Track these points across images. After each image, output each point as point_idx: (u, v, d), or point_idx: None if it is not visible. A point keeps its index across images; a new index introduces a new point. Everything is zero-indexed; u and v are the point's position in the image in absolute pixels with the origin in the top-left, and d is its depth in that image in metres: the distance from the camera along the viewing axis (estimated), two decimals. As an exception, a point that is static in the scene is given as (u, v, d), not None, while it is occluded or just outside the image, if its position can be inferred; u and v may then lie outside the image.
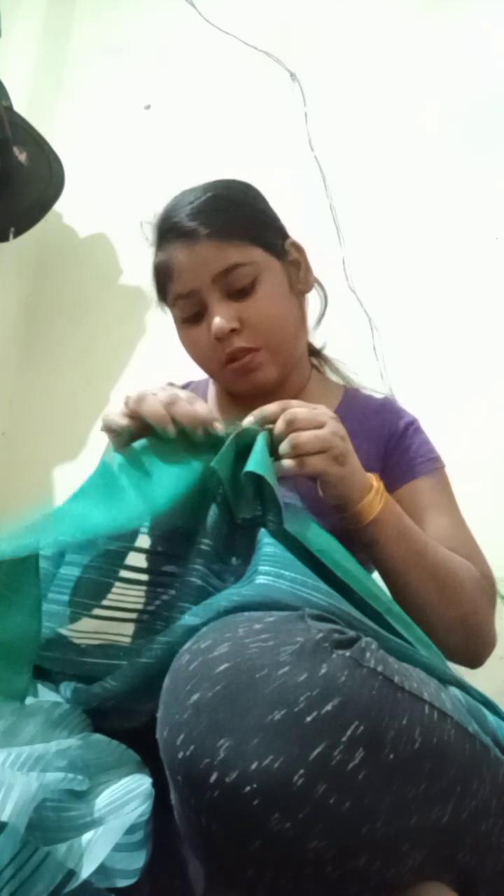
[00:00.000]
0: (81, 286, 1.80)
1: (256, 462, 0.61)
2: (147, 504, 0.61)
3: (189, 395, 0.69)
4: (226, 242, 0.82)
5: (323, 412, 0.68)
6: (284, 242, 0.88)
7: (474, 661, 0.75)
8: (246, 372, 0.84)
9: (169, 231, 0.85)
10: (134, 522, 0.63)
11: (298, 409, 0.67)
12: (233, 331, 0.81)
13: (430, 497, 0.83)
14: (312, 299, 0.94)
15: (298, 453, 0.64)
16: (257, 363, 0.83)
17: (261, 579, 0.54)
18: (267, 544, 0.58)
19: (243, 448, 0.65)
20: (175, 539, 0.66)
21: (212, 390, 0.97)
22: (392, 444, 0.86)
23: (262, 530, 0.60)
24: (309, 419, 0.67)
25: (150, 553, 0.68)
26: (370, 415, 0.89)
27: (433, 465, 0.86)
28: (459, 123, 1.49)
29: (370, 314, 1.44)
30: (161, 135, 1.77)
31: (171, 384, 1.00)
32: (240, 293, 0.82)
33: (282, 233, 0.90)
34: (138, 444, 0.65)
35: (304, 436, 0.65)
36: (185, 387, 0.99)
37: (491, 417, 1.34)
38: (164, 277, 0.86)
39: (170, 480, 0.62)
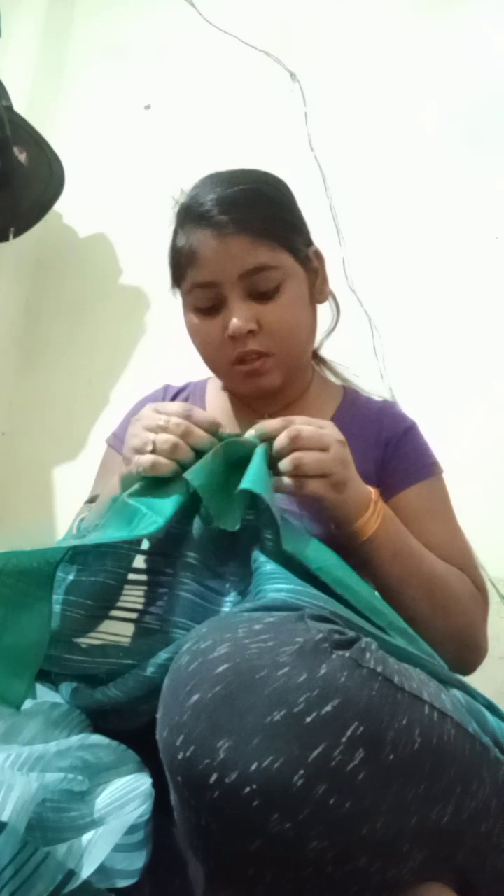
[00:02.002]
0: (81, 286, 1.80)
1: (253, 479, 0.61)
2: (158, 513, 0.61)
3: (185, 409, 0.68)
4: (258, 241, 0.80)
5: (329, 434, 0.67)
6: (308, 250, 0.87)
7: (465, 670, 0.75)
8: (253, 375, 0.83)
9: (200, 217, 0.81)
10: (149, 529, 0.62)
11: (304, 426, 0.66)
12: (249, 332, 0.80)
13: (427, 504, 0.83)
14: (322, 309, 0.93)
15: (298, 474, 0.64)
16: (266, 369, 0.82)
17: (262, 597, 0.54)
18: (265, 562, 0.57)
19: (237, 459, 0.64)
20: (175, 540, 0.66)
21: (210, 392, 0.97)
22: (390, 450, 0.85)
23: (257, 551, 0.59)
24: (313, 439, 0.66)
25: (149, 554, 0.68)
26: (369, 419, 0.88)
27: (431, 470, 0.85)
28: (459, 123, 1.49)
29: (370, 314, 1.44)
30: (161, 135, 1.77)
31: (168, 386, 0.99)
32: (262, 295, 0.81)
33: (307, 239, 0.88)
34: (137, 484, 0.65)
35: (308, 457, 0.64)
36: (182, 389, 0.98)
37: (491, 418, 1.34)
38: (184, 262, 0.83)
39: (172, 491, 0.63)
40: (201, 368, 0.97)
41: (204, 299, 0.83)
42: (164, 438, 0.65)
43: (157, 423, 0.66)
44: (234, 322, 0.79)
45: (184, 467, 0.64)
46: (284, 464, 0.64)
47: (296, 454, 0.64)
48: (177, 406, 0.68)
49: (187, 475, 0.61)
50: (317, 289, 0.88)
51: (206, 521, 0.65)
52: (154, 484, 0.64)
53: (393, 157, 1.53)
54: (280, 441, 0.65)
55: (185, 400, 0.96)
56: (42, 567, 0.59)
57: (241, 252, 0.79)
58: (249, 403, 0.90)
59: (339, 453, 0.67)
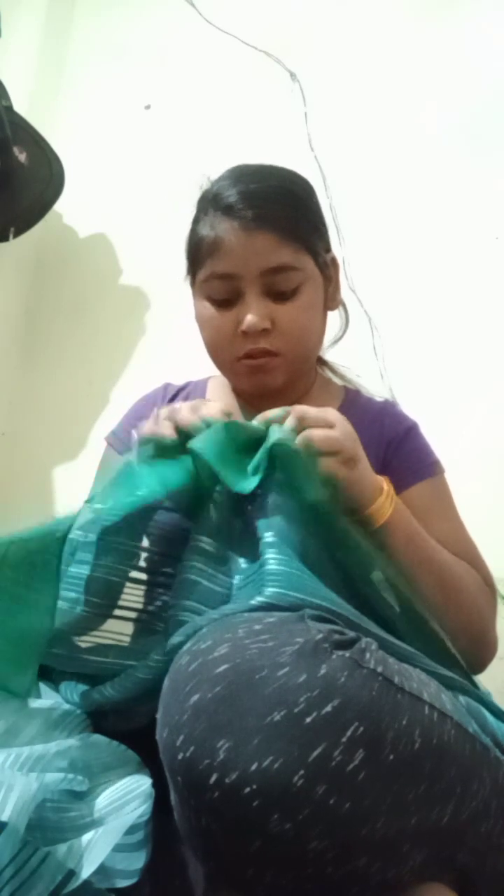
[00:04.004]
0: (81, 286, 1.80)
1: (281, 439, 0.61)
2: (162, 482, 0.62)
3: (198, 401, 0.70)
4: (284, 241, 0.79)
5: (332, 413, 0.68)
6: (327, 256, 0.87)
7: (477, 666, 0.75)
8: (257, 372, 0.83)
9: (227, 207, 0.80)
10: (151, 497, 0.63)
11: (307, 408, 0.67)
12: (262, 330, 0.80)
13: (431, 502, 0.82)
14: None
15: (311, 452, 0.64)
16: (271, 367, 0.82)
17: (259, 600, 0.54)
18: (271, 560, 0.57)
19: (244, 443, 0.65)
20: (174, 540, 0.66)
21: (211, 391, 0.97)
22: (392, 449, 0.85)
23: (266, 540, 0.59)
24: (319, 418, 0.66)
25: (150, 553, 0.68)
26: (370, 419, 0.88)
27: (433, 469, 0.85)
28: (459, 123, 1.49)
29: (370, 314, 1.44)
30: (161, 135, 1.77)
31: (168, 384, 0.99)
32: (279, 295, 0.80)
33: (327, 244, 0.88)
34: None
35: (317, 433, 0.64)
36: (183, 388, 0.98)
37: (491, 417, 1.34)
38: (205, 251, 0.82)
39: (180, 467, 0.64)
40: (202, 368, 0.97)
41: (220, 290, 0.82)
42: (168, 407, 0.68)
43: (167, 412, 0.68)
44: (250, 318, 0.79)
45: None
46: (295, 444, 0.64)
47: (305, 432, 0.64)
48: (189, 402, 0.70)
49: (191, 444, 0.61)
50: (329, 295, 0.88)
51: (218, 504, 0.64)
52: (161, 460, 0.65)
53: (393, 157, 1.53)
54: (288, 423, 0.65)
55: (186, 399, 0.96)
56: (46, 552, 0.58)
57: (266, 249, 0.79)
58: (252, 402, 0.90)
59: (346, 429, 0.67)
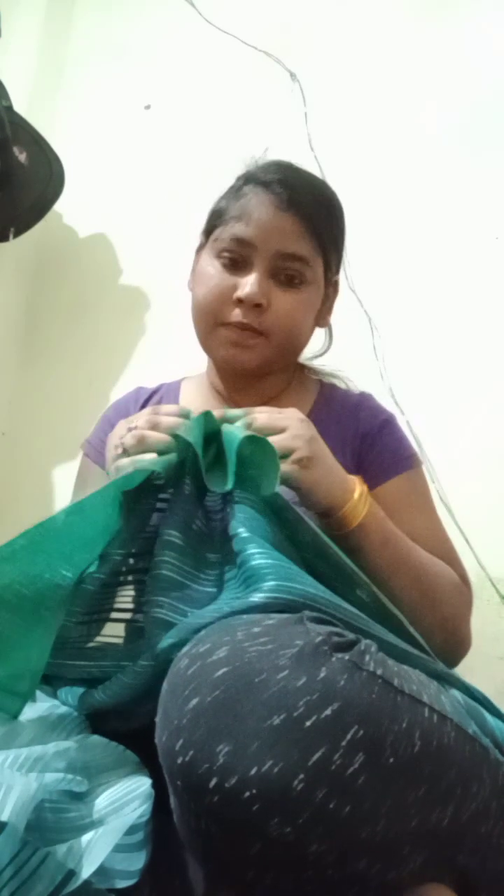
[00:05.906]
0: (81, 286, 1.80)
1: (239, 435, 0.61)
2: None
3: (152, 409, 0.69)
4: (308, 233, 0.81)
5: (288, 416, 0.68)
6: (335, 276, 0.89)
7: (449, 662, 0.75)
8: (236, 345, 0.82)
9: (267, 184, 0.82)
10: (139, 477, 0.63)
11: (260, 414, 0.67)
12: (257, 305, 0.80)
13: (408, 496, 0.82)
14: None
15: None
16: (251, 345, 0.82)
17: (259, 596, 0.53)
18: (255, 555, 0.56)
19: (210, 434, 0.65)
20: (151, 542, 0.66)
21: (184, 392, 0.96)
22: (367, 443, 0.85)
23: (241, 536, 0.58)
24: (269, 424, 0.66)
25: (134, 555, 0.68)
26: (346, 413, 0.88)
27: (410, 462, 0.85)
28: (459, 123, 1.49)
29: (370, 314, 1.44)
30: (161, 135, 1.77)
31: (140, 388, 0.99)
32: (284, 280, 0.82)
33: (339, 266, 0.90)
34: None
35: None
36: (156, 391, 0.98)
37: (491, 417, 1.34)
38: (233, 214, 0.83)
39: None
40: (202, 369, 0.97)
41: (233, 251, 0.82)
42: (132, 434, 0.65)
43: (127, 428, 0.67)
44: (251, 289, 0.79)
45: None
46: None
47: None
48: (143, 411, 0.69)
49: (184, 436, 0.61)
50: (322, 312, 0.90)
51: (184, 497, 0.63)
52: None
53: (393, 157, 1.53)
54: (238, 424, 0.66)
55: (159, 401, 0.96)
56: (51, 603, 0.57)
57: (291, 233, 0.81)
58: (227, 399, 0.90)
59: (298, 430, 0.67)
